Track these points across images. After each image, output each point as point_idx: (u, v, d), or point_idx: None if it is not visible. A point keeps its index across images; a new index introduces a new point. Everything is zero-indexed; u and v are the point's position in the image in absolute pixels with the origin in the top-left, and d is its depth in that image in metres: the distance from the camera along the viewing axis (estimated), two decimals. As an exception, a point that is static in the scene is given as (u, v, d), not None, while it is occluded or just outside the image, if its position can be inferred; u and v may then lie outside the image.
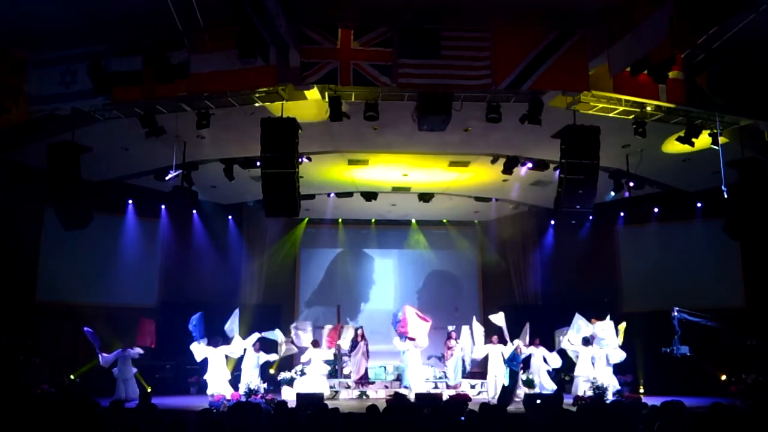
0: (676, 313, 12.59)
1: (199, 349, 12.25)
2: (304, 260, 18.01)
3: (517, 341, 12.64)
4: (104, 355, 12.39)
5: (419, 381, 13.28)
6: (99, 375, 13.24)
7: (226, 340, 12.52)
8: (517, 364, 12.33)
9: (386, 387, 13.84)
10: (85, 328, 12.38)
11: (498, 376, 13.04)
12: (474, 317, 13.95)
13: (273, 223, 16.64)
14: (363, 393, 13.52)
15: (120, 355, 12.56)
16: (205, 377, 12.40)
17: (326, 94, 9.57)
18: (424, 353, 14.76)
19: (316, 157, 12.26)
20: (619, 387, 12.40)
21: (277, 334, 13.17)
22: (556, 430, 5.98)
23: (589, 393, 12.04)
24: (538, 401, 10.50)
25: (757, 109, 9.62)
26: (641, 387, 13.63)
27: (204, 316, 12.33)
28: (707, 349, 13.17)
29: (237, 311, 12.73)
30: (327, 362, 14.70)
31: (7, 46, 9.14)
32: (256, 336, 12.66)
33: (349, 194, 15.40)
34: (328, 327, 14.54)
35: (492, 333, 13.78)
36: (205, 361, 12.37)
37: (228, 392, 11.96)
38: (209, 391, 12.14)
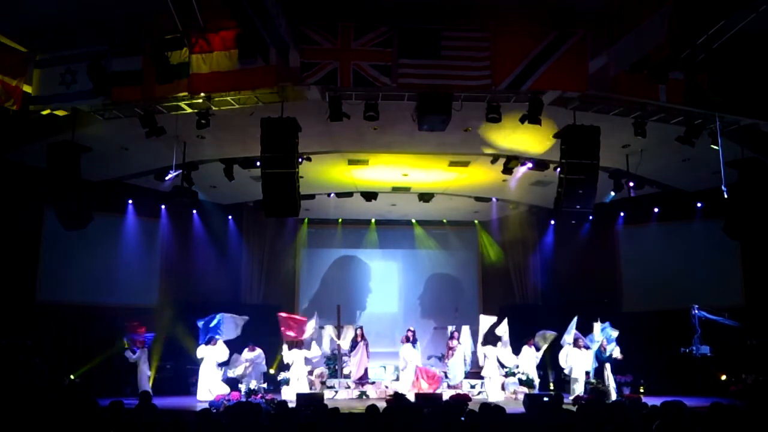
0: (696, 312, 12.36)
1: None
2: (304, 260, 17.99)
3: (598, 338, 12.62)
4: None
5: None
6: (99, 375, 13.30)
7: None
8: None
9: (386, 387, 13.84)
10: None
11: (491, 377, 13.07)
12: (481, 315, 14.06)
13: (273, 223, 16.63)
14: (363, 393, 13.52)
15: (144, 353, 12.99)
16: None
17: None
18: (423, 353, 14.83)
19: (316, 157, 12.25)
20: (615, 393, 12.40)
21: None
22: (556, 430, 5.98)
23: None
24: (545, 399, 10.52)
25: (757, 109, 9.62)
26: (641, 387, 13.63)
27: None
28: (718, 349, 12.91)
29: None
30: (327, 363, 14.75)
31: (7, 46, 9.14)
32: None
33: (349, 194, 15.40)
34: (330, 326, 14.55)
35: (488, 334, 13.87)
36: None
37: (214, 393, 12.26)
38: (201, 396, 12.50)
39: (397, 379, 14.17)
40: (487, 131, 11.31)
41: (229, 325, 13.04)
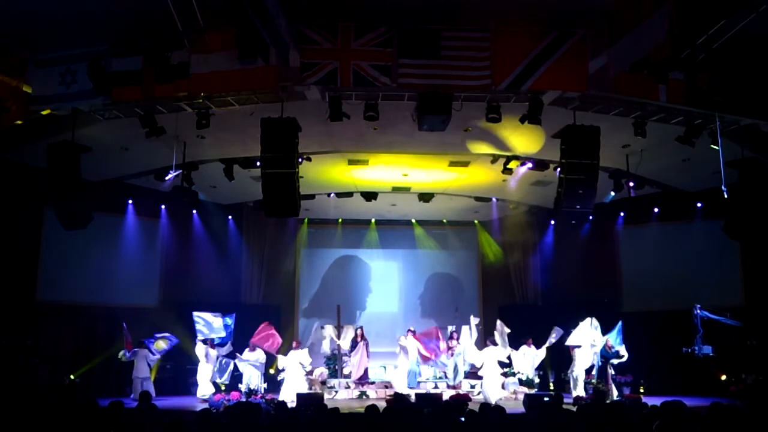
0: (698, 311, 12.29)
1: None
2: (304, 260, 17.99)
3: (604, 337, 12.62)
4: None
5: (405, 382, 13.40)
6: (99, 375, 13.29)
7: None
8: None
9: (386, 387, 13.84)
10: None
11: (488, 379, 13.02)
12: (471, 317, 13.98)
13: (273, 223, 16.63)
14: (363, 393, 13.52)
15: (140, 354, 12.95)
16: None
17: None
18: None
19: (316, 157, 12.25)
20: (616, 393, 12.39)
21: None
22: (556, 430, 5.98)
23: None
24: (545, 399, 10.52)
25: (757, 109, 9.62)
26: (641, 387, 13.65)
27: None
28: (719, 349, 12.78)
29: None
30: (327, 363, 14.74)
31: (7, 46, 9.15)
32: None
33: (349, 194, 15.40)
34: (330, 326, 14.52)
35: (489, 334, 13.83)
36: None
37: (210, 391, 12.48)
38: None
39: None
40: (487, 131, 11.31)
41: (209, 323, 13.02)
